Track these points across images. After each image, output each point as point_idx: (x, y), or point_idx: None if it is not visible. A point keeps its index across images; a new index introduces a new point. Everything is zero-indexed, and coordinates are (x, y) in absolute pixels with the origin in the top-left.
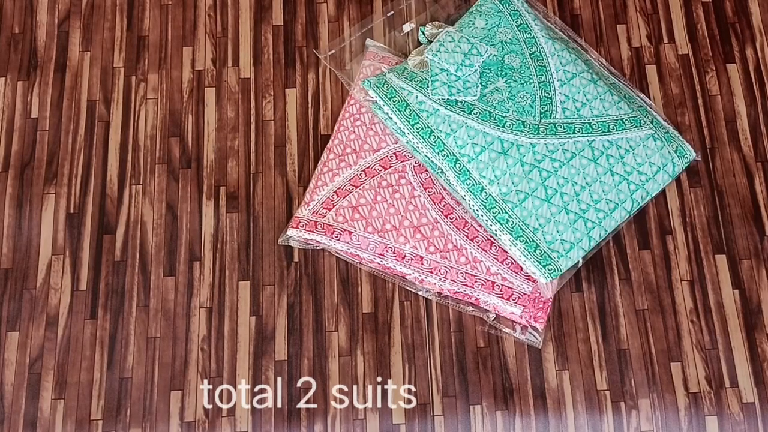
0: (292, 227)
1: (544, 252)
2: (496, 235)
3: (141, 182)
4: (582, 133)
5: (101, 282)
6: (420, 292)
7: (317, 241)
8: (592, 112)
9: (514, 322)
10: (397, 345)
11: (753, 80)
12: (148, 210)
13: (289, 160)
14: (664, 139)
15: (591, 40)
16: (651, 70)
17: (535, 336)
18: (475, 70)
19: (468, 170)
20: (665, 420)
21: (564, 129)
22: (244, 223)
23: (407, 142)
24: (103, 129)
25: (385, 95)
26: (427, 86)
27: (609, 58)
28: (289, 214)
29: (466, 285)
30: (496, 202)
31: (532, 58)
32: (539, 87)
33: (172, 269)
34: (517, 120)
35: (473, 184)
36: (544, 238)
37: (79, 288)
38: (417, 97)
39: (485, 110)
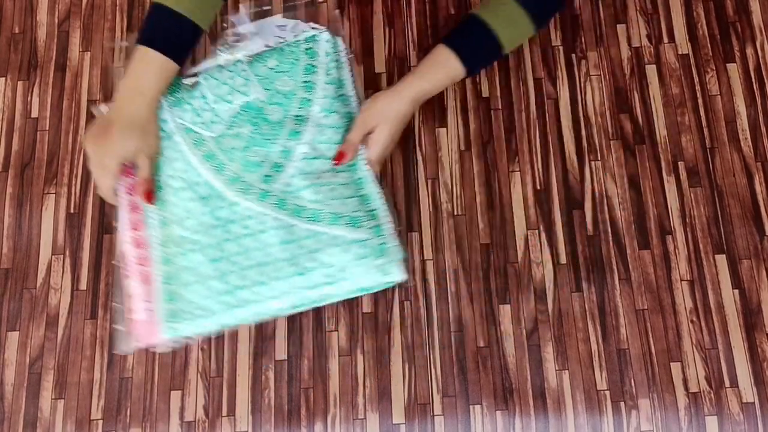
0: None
1: (177, 310)
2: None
3: None
4: (290, 213)
5: (101, 282)
6: None
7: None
8: (315, 198)
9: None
10: (397, 345)
11: (753, 80)
12: None
13: None
14: (374, 251)
15: (591, 40)
16: (651, 70)
17: None
18: (232, 109)
19: (164, 204)
20: (665, 420)
21: (275, 201)
22: None
23: None
24: None
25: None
26: (179, 104)
27: (609, 58)
28: None
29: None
30: (172, 242)
31: (293, 120)
32: (280, 152)
33: None
34: (236, 174)
35: (162, 218)
36: (186, 296)
37: (79, 288)
38: (167, 113)
39: (212, 151)
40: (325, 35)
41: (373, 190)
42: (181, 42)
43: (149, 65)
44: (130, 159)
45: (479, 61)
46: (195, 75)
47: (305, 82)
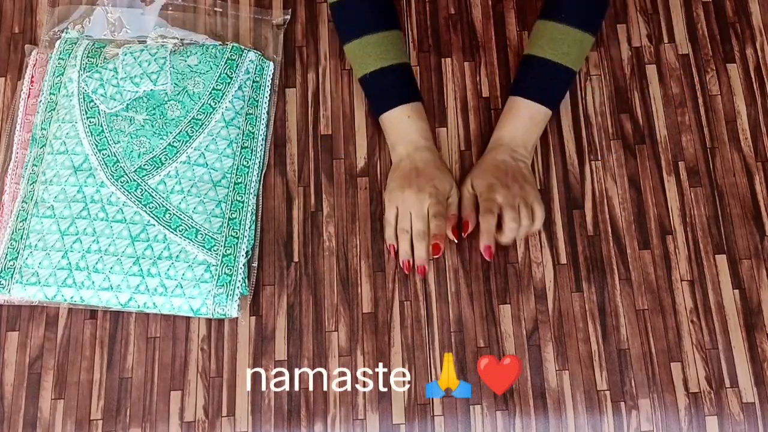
0: None
1: (14, 268)
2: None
3: None
4: (150, 213)
5: None
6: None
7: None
8: (181, 206)
9: None
10: (397, 345)
11: (753, 80)
12: None
13: (289, 160)
14: (218, 279)
15: None
16: (651, 70)
17: None
18: (135, 92)
19: (41, 159)
20: (665, 420)
21: (140, 195)
22: None
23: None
24: None
25: (62, 52)
26: (90, 70)
27: (609, 58)
28: (289, 214)
29: None
30: (33, 201)
31: (190, 122)
32: (165, 149)
33: None
34: (114, 156)
35: (33, 174)
36: (25, 256)
37: None
38: (77, 73)
39: (101, 126)
40: (252, 54)
41: (247, 219)
42: (409, 82)
43: (410, 123)
44: (447, 195)
45: (553, 93)
46: (119, 47)
47: (215, 89)
